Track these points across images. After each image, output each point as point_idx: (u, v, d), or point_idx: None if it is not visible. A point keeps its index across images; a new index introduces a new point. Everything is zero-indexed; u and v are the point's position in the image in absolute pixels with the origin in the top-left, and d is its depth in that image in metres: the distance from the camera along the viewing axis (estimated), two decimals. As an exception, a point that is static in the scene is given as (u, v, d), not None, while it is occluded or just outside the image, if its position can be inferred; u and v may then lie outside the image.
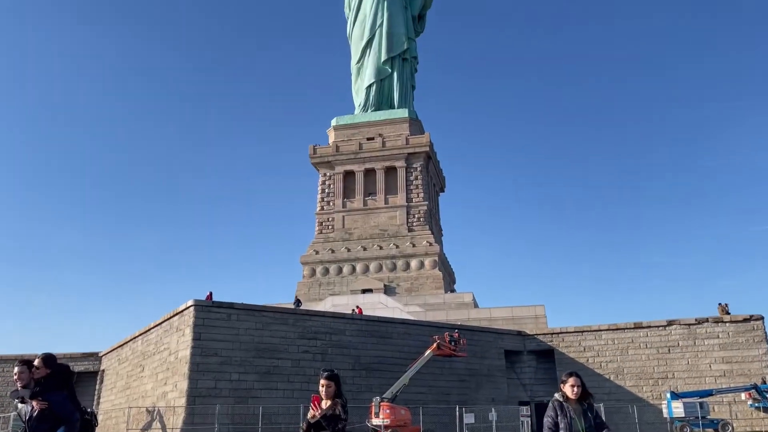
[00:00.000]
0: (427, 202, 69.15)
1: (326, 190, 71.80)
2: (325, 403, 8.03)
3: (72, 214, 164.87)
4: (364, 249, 67.37)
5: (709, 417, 41.19)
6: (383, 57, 73.77)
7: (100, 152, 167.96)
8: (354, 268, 67.03)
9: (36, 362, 8.46)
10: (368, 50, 74.93)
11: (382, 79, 74.54)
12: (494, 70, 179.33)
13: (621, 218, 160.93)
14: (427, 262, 65.73)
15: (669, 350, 45.99)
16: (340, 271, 67.25)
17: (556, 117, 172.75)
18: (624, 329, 47.53)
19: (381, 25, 74.43)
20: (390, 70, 74.37)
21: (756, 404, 42.49)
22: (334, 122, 74.90)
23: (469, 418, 37.46)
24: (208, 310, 37.03)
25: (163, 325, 40.34)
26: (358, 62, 75.95)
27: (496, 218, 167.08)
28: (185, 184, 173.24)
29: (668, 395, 42.07)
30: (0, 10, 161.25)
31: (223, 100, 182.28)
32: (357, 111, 75.74)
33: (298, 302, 54.87)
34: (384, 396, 34.61)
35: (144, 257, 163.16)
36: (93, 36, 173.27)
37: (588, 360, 47.50)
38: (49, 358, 8.55)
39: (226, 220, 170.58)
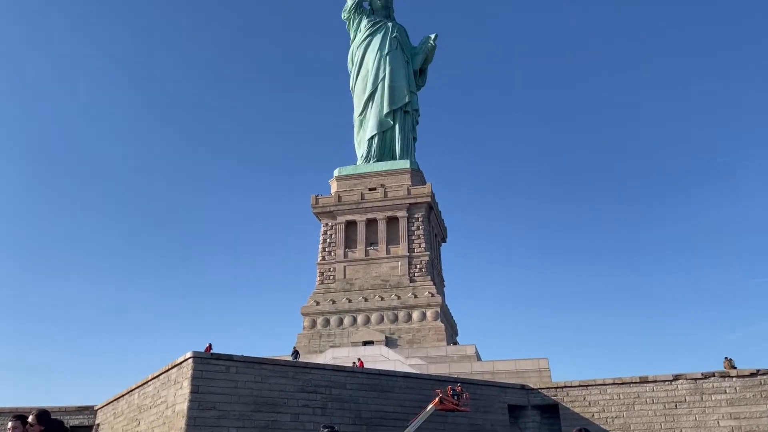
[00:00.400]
0: (428, 252, 69.06)
1: (328, 240, 71.87)
2: (325, 463, 7.85)
3: (70, 263, 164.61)
4: (366, 300, 66.90)
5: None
6: (385, 110, 75.10)
7: (99, 200, 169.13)
8: (355, 320, 66.41)
9: (30, 419, 8.36)
10: (371, 103, 76.36)
11: (384, 131, 75.70)
12: (498, 123, 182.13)
13: (625, 269, 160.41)
14: (429, 313, 65.12)
15: (676, 406, 45.01)
16: (341, 322, 66.61)
17: (559, 167, 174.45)
18: (630, 383, 46.61)
19: (383, 79, 76.06)
20: (392, 123, 75.60)
21: (767, 462, 41.32)
22: (336, 172, 75.62)
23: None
24: (206, 363, 36.50)
25: (161, 377, 39.71)
26: (360, 114, 77.28)
27: (499, 269, 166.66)
28: (184, 234, 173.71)
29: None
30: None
31: (224, 148, 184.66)
32: (359, 162, 76.59)
33: (296, 354, 54.09)
34: (385, 452, 33.73)
35: (142, 308, 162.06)
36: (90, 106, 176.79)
37: (593, 415, 46.45)
38: (42, 415, 8.45)
39: (226, 270, 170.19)
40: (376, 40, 77.84)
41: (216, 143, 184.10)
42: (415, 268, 68.57)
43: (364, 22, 79.44)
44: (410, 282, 67.53)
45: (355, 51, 79.38)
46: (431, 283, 67.28)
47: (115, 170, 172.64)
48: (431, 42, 79.43)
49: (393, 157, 75.27)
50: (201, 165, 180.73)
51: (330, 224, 72.37)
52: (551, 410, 47.81)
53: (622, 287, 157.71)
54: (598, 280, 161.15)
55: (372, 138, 75.64)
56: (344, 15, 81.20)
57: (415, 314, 65.29)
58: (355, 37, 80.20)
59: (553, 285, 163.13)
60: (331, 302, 67.57)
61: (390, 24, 79.23)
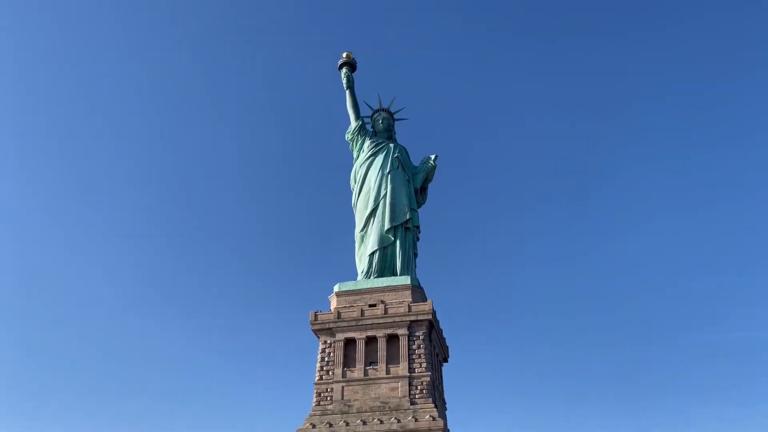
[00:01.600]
0: (430, 373, 66.61)
1: (326, 359, 69.62)
2: None
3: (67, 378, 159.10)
4: (364, 423, 63.67)
5: None
6: (386, 226, 75.58)
7: (95, 317, 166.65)
8: (352, 444, 62.78)
9: None
10: (372, 219, 77.00)
11: (385, 247, 75.69)
12: (499, 243, 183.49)
13: (635, 387, 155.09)
14: (431, 438, 61.69)
15: None
16: (337, 447, 62.98)
17: (565, 288, 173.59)
18: None
19: (385, 196, 77.22)
20: (393, 239, 75.79)
21: None
22: (336, 288, 74.76)
23: None
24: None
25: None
26: (362, 230, 77.72)
27: (503, 391, 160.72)
28: (175, 352, 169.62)
29: None
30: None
31: (223, 263, 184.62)
32: (360, 277, 75.99)
33: None
34: None
35: (134, 425, 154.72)
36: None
37: None
38: None
39: (218, 389, 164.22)
40: (379, 160, 79.87)
41: (213, 258, 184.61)
42: (416, 389, 65.91)
43: (367, 143, 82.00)
44: (411, 404, 64.60)
45: (357, 169, 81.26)
46: (432, 405, 64.32)
47: (112, 284, 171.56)
48: (431, 162, 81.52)
49: (394, 273, 74.77)
50: (198, 283, 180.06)
51: (328, 342, 70.45)
52: None
53: (633, 407, 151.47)
54: (606, 407, 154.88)
55: (373, 253, 75.54)
56: (348, 136, 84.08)
57: (416, 439, 61.78)
58: (358, 156, 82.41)
59: (560, 409, 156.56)
60: (327, 425, 64.21)
61: (392, 145, 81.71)
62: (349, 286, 74.42)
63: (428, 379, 66.14)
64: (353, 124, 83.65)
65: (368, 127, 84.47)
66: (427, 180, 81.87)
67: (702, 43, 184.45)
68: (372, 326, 69.47)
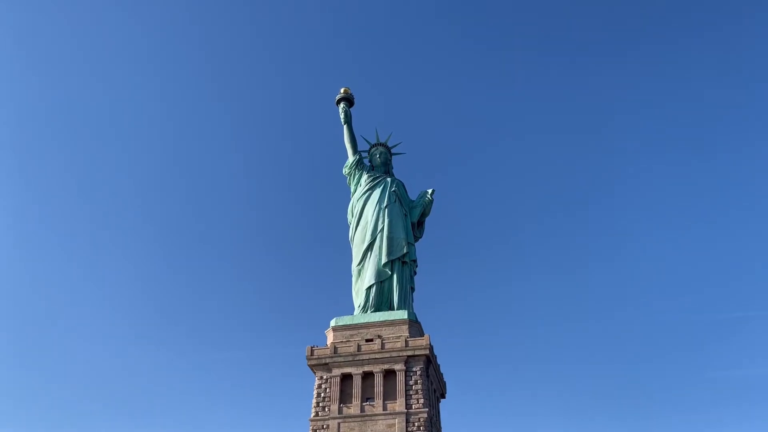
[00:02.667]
0: (427, 409, 65.70)
1: (322, 394, 68.67)
2: None
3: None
4: (360, 461, 62.50)
5: None
6: (383, 260, 75.42)
7: (97, 347, 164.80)
8: (348, 483, 61.54)
9: None
10: (369, 253, 76.83)
11: (382, 281, 75.39)
12: (496, 272, 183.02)
13: (638, 419, 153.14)
14: (428, 477, 60.51)
15: None
16: (333, 486, 61.67)
17: (560, 317, 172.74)
18: None
19: (382, 230, 77.21)
20: (390, 273, 75.54)
21: None
22: (333, 323, 74.18)
23: None
24: None
25: None
26: (359, 264, 77.50)
27: (500, 428, 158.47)
28: (169, 385, 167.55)
29: None
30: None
31: (218, 298, 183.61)
32: (356, 312, 75.49)
33: None
34: None
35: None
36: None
37: None
38: None
39: (210, 423, 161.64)
40: (376, 194, 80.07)
41: (210, 292, 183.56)
42: (414, 426, 64.91)
43: (365, 177, 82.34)
44: (408, 442, 63.50)
45: (355, 203, 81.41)
46: (430, 442, 63.25)
47: (113, 320, 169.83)
48: (428, 196, 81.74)
49: (391, 308, 74.28)
50: (194, 311, 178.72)
51: (325, 377, 69.60)
52: None
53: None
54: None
55: (370, 287, 75.20)
56: (345, 170, 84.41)
57: (414, 478, 60.61)
58: (355, 190, 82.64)
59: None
60: (323, 463, 63.03)
61: (389, 179, 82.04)
62: (345, 320, 73.88)
63: (426, 415, 65.21)
64: (350, 158, 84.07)
65: (366, 161, 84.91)
66: (424, 214, 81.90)
67: (702, 48, 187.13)
68: (369, 361, 68.75)
